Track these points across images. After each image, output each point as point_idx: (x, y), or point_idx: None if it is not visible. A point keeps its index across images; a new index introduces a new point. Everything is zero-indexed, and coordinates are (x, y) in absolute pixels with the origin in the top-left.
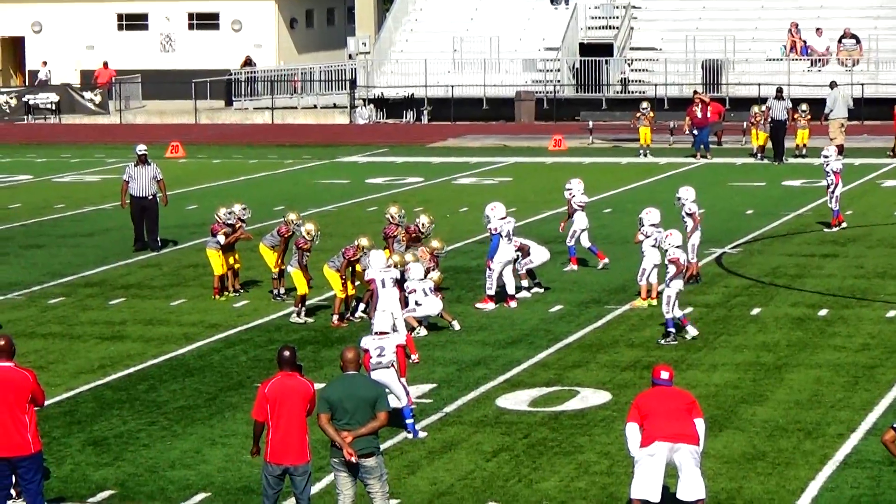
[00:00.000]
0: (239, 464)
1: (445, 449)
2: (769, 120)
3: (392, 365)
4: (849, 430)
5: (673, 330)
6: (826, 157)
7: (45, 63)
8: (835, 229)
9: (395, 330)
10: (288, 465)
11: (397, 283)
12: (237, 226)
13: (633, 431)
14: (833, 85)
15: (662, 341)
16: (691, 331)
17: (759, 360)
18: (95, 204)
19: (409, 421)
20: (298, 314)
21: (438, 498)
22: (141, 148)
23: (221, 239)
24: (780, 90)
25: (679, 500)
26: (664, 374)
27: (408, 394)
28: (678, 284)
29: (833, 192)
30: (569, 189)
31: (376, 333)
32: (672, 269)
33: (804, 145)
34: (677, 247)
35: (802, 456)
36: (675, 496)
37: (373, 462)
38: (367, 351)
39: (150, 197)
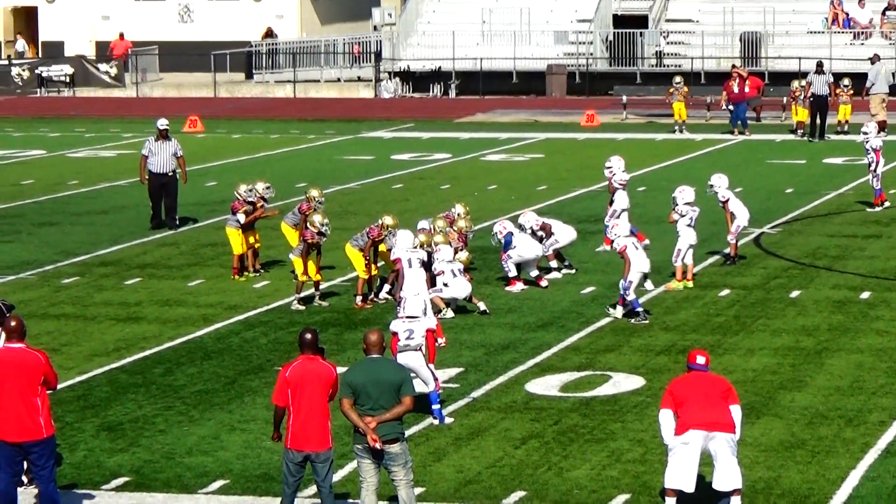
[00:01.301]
0: (258, 450)
1: (473, 435)
2: (810, 96)
3: (420, 348)
4: (891, 418)
5: (640, 309)
6: (866, 133)
7: (20, 34)
8: (878, 209)
9: (425, 314)
10: (309, 452)
11: (423, 265)
12: (258, 204)
13: (666, 419)
14: (875, 59)
15: (633, 321)
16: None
17: (798, 344)
18: (111, 180)
19: (436, 406)
20: (305, 300)
21: (465, 486)
22: (163, 122)
23: (241, 217)
24: (820, 64)
25: (714, 489)
26: (700, 360)
27: (435, 379)
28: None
29: (874, 169)
30: (608, 167)
31: (406, 317)
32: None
33: (846, 121)
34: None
35: (843, 444)
36: (710, 486)
37: (397, 448)
38: (395, 333)
39: (170, 173)
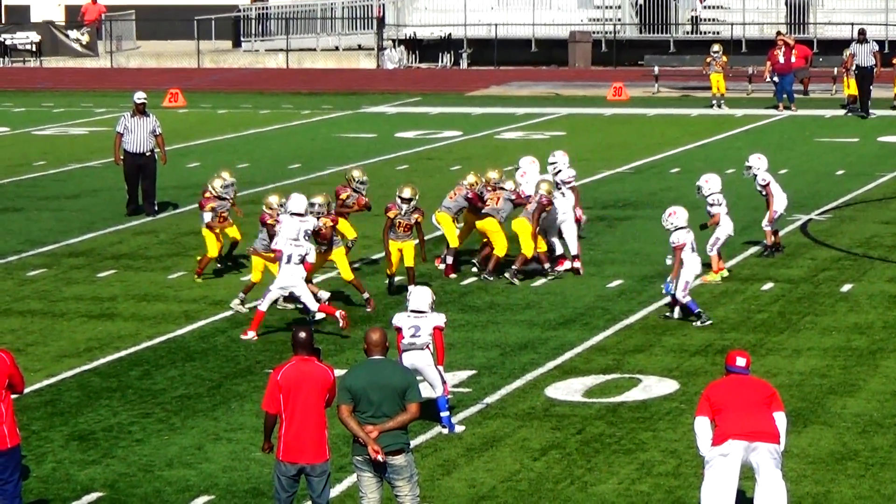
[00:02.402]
0: (247, 462)
1: (486, 446)
2: (854, 67)
3: (427, 347)
4: None
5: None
6: None
7: None
8: None
9: (432, 310)
10: (304, 465)
11: None
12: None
13: (703, 427)
14: None
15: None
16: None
17: (850, 344)
18: (82, 161)
19: (445, 413)
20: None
21: (478, 502)
22: (140, 96)
23: (207, 217)
24: (862, 32)
25: None
26: (740, 361)
27: (444, 382)
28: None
29: None
30: (553, 163)
31: (411, 311)
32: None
33: None
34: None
35: None
36: (751, 502)
37: (401, 460)
38: (399, 329)
39: (148, 153)
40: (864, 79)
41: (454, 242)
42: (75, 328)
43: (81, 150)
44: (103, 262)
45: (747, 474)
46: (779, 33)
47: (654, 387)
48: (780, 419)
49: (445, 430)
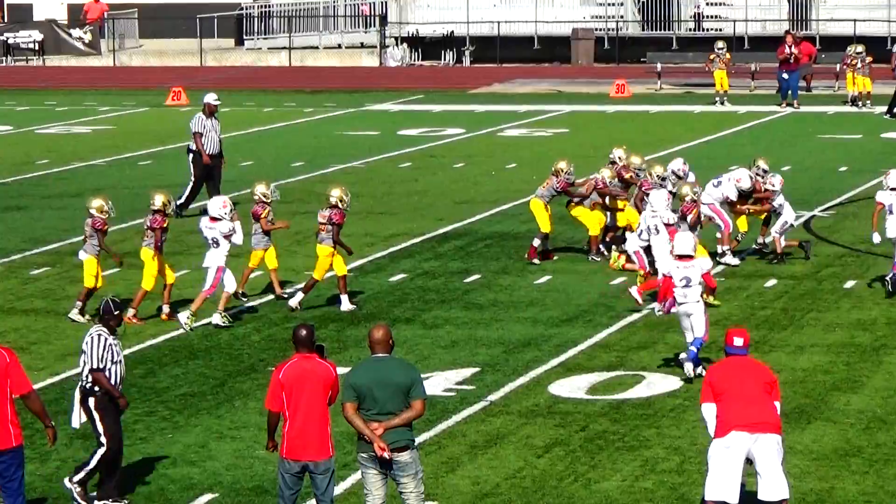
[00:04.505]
0: (251, 460)
1: (490, 443)
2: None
3: (700, 297)
4: None
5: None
6: None
7: None
8: None
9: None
10: (307, 462)
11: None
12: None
13: (710, 413)
14: None
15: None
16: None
17: (853, 340)
18: (85, 159)
19: (693, 349)
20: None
21: (482, 499)
22: (214, 97)
23: (260, 227)
24: None
25: (760, 500)
26: (738, 341)
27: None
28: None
29: None
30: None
31: (677, 256)
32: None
33: None
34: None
35: None
36: (754, 496)
37: (407, 457)
38: (669, 277)
39: (218, 155)
40: None
41: (546, 228)
42: (79, 327)
43: (85, 149)
44: (107, 260)
45: (749, 470)
46: (788, 31)
47: (658, 384)
48: (776, 408)
49: (688, 368)
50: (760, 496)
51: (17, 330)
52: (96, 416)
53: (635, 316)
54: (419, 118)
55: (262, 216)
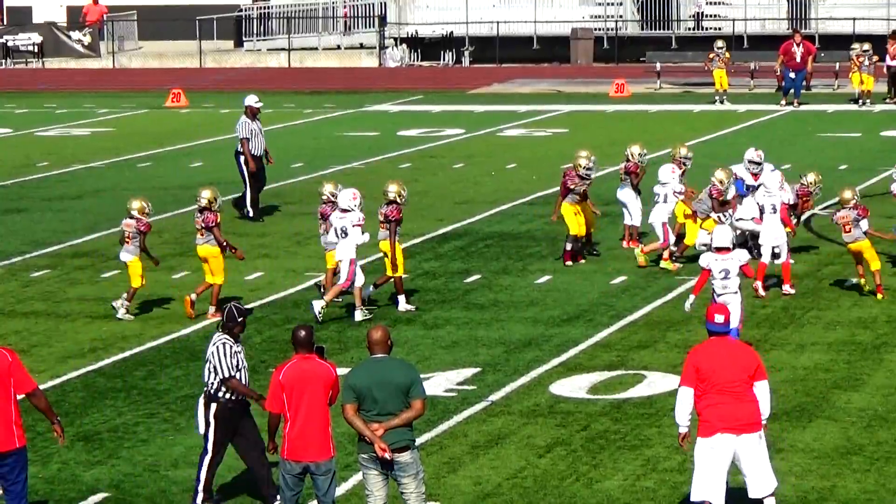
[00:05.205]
0: None
1: (491, 443)
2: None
3: (738, 290)
4: None
5: None
6: None
7: None
8: None
9: (733, 246)
10: (308, 463)
11: None
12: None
13: (686, 398)
14: None
15: None
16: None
17: (854, 338)
18: (85, 161)
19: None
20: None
21: (483, 500)
22: (256, 99)
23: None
24: None
25: (751, 499)
26: (718, 318)
27: (741, 320)
28: None
29: None
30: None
31: (714, 249)
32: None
33: None
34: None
35: None
36: (736, 491)
37: (408, 457)
38: (707, 270)
39: (263, 156)
40: None
41: (574, 230)
42: (79, 329)
43: (84, 151)
44: (107, 262)
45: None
46: (796, 30)
47: (659, 383)
48: (763, 389)
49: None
50: (751, 494)
51: (17, 332)
52: (212, 423)
53: (636, 315)
54: (419, 119)
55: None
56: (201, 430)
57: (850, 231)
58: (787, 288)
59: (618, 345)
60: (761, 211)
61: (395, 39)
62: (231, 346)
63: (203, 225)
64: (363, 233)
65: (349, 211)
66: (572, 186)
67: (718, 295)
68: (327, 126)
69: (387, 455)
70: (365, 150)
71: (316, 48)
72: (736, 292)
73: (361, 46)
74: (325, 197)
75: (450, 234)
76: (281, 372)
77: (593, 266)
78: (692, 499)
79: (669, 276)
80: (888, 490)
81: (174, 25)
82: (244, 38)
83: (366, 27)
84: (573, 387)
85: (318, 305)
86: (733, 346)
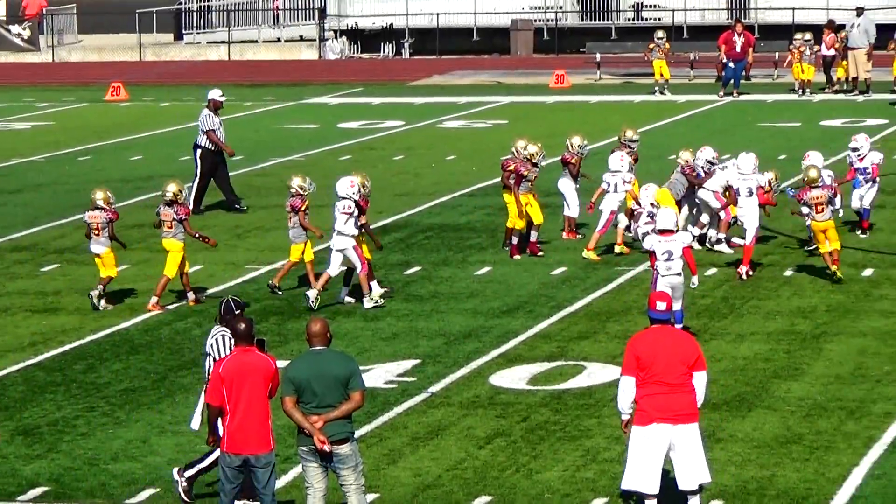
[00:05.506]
0: (192, 455)
1: (431, 435)
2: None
3: (681, 272)
4: None
5: None
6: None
7: None
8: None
9: (678, 228)
10: (248, 456)
11: None
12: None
13: (628, 387)
14: (860, 11)
15: None
16: None
17: (793, 328)
18: (24, 155)
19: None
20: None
21: (423, 491)
22: (218, 93)
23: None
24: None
25: (680, 490)
26: (660, 305)
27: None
28: None
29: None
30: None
31: (658, 231)
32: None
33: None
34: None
35: (844, 438)
36: (671, 481)
37: (347, 449)
38: (652, 253)
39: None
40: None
41: (538, 219)
42: (19, 323)
43: (24, 145)
44: (47, 256)
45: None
46: (738, 20)
47: (599, 373)
48: (701, 379)
49: None
50: (680, 486)
51: None
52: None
53: (576, 306)
54: (359, 111)
55: (302, 209)
56: (194, 425)
57: (822, 210)
58: (744, 269)
59: (558, 336)
60: (737, 193)
61: (335, 32)
62: (230, 339)
63: (175, 217)
64: (346, 222)
65: (345, 199)
66: (526, 173)
67: (662, 276)
68: (267, 119)
69: (326, 447)
70: (305, 142)
71: (256, 41)
72: (679, 273)
73: (301, 39)
74: (293, 190)
75: (390, 225)
76: (221, 365)
77: (533, 257)
78: (623, 486)
79: (609, 267)
80: (827, 479)
81: (114, 19)
82: (184, 32)
83: (306, 20)
84: (513, 378)
85: (312, 294)
86: (674, 335)
